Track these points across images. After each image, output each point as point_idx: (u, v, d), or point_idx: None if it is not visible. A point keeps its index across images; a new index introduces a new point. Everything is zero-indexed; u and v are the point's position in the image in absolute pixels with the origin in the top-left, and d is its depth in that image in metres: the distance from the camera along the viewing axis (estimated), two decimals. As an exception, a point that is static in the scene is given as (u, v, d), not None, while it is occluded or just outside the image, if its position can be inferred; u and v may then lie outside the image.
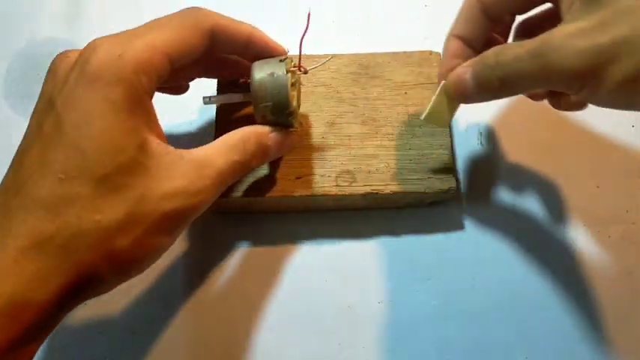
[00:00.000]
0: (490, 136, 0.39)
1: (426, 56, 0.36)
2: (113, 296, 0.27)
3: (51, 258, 0.23)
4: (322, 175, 0.33)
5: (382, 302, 0.35)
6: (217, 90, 0.36)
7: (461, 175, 0.38)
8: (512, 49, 0.26)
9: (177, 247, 0.36)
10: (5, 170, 0.38)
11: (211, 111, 0.36)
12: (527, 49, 0.25)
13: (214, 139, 0.33)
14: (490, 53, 0.27)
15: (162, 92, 0.35)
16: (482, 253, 0.36)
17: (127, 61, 0.24)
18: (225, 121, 0.35)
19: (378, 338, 0.34)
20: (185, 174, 0.26)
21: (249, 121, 0.34)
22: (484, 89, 0.28)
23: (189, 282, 0.35)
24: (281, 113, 0.29)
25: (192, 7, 0.28)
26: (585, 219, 0.37)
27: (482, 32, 0.30)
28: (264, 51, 0.30)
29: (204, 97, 0.31)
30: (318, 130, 0.35)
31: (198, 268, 0.36)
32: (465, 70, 0.28)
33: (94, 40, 0.25)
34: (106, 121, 0.24)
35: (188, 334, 0.34)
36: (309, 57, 0.36)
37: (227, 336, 0.34)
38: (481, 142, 0.39)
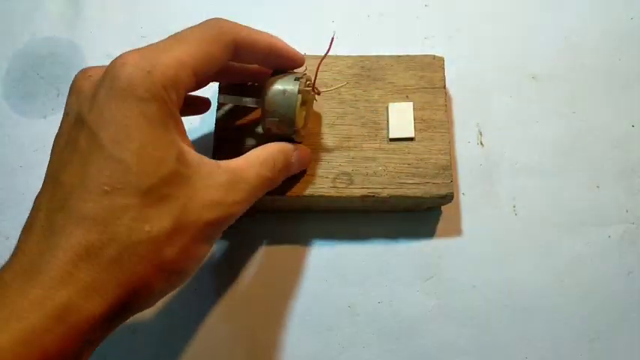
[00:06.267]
0: (490, 136, 0.39)
1: (429, 60, 0.36)
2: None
3: (104, 270, 0.22)
4: (320, 176, 0.33)
5: (382, 302, 0.35)
6: (219, 92, 0.36)
7: (460, 176, 0.38)
8: None
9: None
10: (4, 169, 0.39)
11: (211, 112, 0.36)
12: None
13: (214, 138, 0.33)
14: None
15: (185, 115, 0.35)
16: (482, 254, 0.36)
17: (157, 77, 0.24)
18: (226, 117, 0.35)
19: (378, 338, 0.34)
20: (222, 185, 0.26)
21: (248, 124, 0.35)
22: None
23: (188, 281, 0.35)
24: (286, 129, 0.31)
25: (215, 19, 0.28)
26: (585, 219, 0.37)
27: None
28: (284, 59, 0.31)
29: (219, 96, 0.33)
30: (317, 131, 0.35)
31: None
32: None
33: (121, 56, 0.25)
34: (145, 134, 0.24)
35: (184, 333, 0.34)
36: (311, 57, 0.36)
37: (225, 336, 0.34)
38: (481, 143, 0.39)
